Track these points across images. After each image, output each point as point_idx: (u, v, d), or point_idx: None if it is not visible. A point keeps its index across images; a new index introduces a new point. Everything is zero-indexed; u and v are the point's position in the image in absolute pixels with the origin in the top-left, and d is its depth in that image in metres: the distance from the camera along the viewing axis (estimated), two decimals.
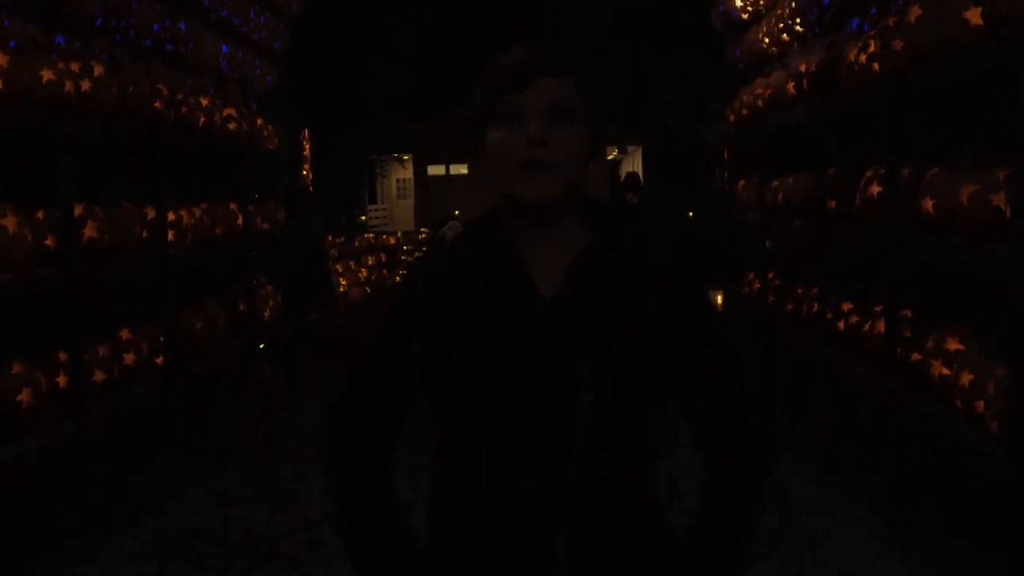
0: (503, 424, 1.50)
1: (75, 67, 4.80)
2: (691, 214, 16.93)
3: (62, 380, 4.43)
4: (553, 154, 1.50)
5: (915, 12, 4.14)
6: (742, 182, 7.84)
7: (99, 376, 4.74)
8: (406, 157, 29.56)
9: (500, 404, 1.50)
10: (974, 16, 3.58)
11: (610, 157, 31.06)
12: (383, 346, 1.65)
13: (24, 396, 4.05)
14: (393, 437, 1.68)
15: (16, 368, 4.08)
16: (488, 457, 1.51)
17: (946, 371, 4.03)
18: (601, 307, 1.53)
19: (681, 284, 1.59)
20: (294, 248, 8.43)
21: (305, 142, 15.85)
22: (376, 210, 27.91)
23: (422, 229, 20.25)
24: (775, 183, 6.67)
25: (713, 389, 1.62)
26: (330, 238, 15.15)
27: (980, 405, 3.69)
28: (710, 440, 1.65)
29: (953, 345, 4.05)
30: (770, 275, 6.98)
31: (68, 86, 4.62)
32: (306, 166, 15.67)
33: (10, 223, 4.04)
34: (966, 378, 3.80)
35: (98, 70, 4.94)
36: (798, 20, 6.59)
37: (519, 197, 1.53)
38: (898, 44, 4.32)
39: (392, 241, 17.93)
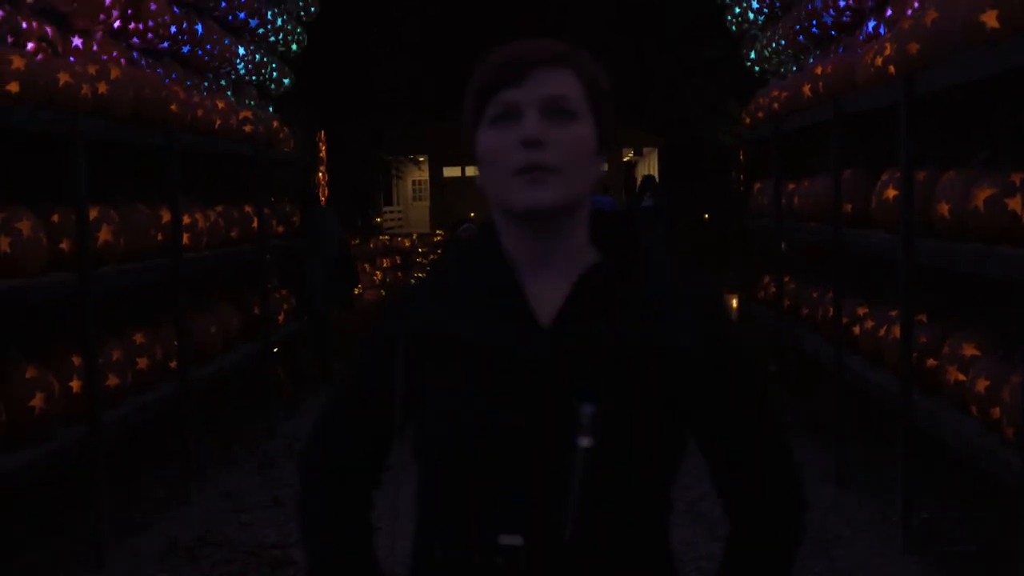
0: (490, 471, 1.32)
1: (92, 70, 4.83)
2: (706, 216, 16.90)
3: (75, 384, 4.44)
4: (552, 157, 1.30)
5: (931, 15, 4.11)
6: (757, 184, 7.82)
7: (113, 380, 4.75)
8: (422, 158, 29.60)
9: (487, 447, 1.32)
10: (990, 19, 3.56)
11: (625, 159, 31.01)
12: (359, 382, 1.47)
13: (37, 401, 4.06)
14: (371, 484, 1.50)
15: (30, 372, 4.09)
16: (472, 508, 1.33)
17: (962, 377, 4.00)
18: (607, 336, 1.33)
19: (702, 309, 1.39)
20: (327, 250, 8.49)
21: (321, 144, 15.89)
22: (391, 212, 27.97)
23: (437, 231, 20.28)
24: (791, 186, 6.65)
25: (740, 432, 1.42)
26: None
27: (996, 411, 3.67)
28: (736, 489, 1.45)
29: (969, 351, 4.02)
30: (786, 278, 6.96)
31: (85, 89, 4.64)
32: (322, 168, 15.70)
33: (25, 226, 4.05)
34: (982, 384, 3.77)
35: (115, 72, 4.96)
36: (814, 22, 6.56)
37: (515, 208, 1.33)
38: (914, 47, 4.29)
39: (407, 243, 17.95)
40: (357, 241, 15.86)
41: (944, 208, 3.94)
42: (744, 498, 1.44)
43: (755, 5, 8.09)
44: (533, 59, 1.34)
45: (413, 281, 1.54)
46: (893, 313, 4.82)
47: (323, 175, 15.62)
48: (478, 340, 1.34)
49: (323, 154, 15.93)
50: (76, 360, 4.51)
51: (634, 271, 1.38)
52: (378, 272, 15.90)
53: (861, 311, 5.31)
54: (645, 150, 28.92)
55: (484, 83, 1.35)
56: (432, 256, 18.24)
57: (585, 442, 1.27)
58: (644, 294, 1.37)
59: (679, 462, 1.38)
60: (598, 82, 1.38)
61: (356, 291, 9.24)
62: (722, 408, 1.40)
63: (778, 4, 7.67)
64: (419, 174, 31.02)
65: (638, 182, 20.71)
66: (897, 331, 4.67)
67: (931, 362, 4.36)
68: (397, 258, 17.05)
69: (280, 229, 7.82)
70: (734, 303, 8.50)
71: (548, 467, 1.29)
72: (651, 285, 1.39)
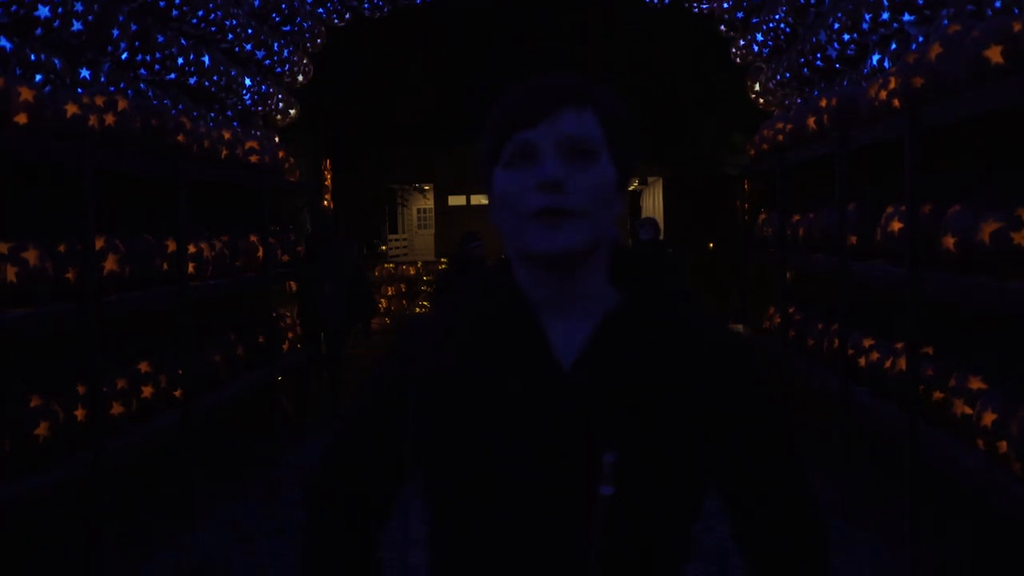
0: (508, 520, 1.27)
1: (100, 101, 4.86)
2: (711, 245, 16.91)
3: (80, 413, 4.44)
4: (572, 200, 1.25)
5: (935, 49, 4.13)
6: (763, 215, 7.83)
7: (117, 409, 4.75)
8: (427, 187, 29.68)
9: (505, 496, 1.27)
10: (995, 54, 3.57)
11: (631, 188, 31.07)
12: (367, 425, 1.42)
13: (42, 429, 4.06)
14: (377, 527, 1.45)
15: (35, 401, 4.09)
16: (489, 557, 1.29)
17: (968, 410, 3.98)
18: (630, 382, 1.28)
19: (729, 356, 1.34)
20: (343, 272, 8.51)
21: (327, 172, 15.94)
22: (397, 239, 28.02)
23: (442, 259, 20.30)
24: (796, 217, 6.66)
25: (767, 482, 1.38)
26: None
27: (1003, 445, 3.65)
28: (760, 537, 1.41)
29: (975, 384, 4.01)
30: (791, 309, 6.95)
31: (92, 120, 4.67)
32: (327, 196, 15.75)
33: (32, 256, 4.06)
34: (989, 417, 3.75)
35: (122, 104, 4.99)
36: (818, 55, 6.59)
37: (532, 252, 1.27)
38: (918, 81, 4.31)
39: (412, 271, 17.96)
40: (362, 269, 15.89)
41: (950, 241, 3.94)
42: (768, 547, 1.41)
43: (759, 38, 8.13)
44: (551, 97, 1.29)
45: (420, 317, 1.46)
46: (899, 345, 4.81)
47: (329, 203, 15.66)
48: (495, 384, 1.28)
49: (328, 182, 15.98)
50: (81, 389, 4.51)
51: (658, 314, 1.33)
52: (383, 300, 15.92)
53: (867, 343, 5.31)
54: (650, 179, 28.99)
55: (501, 122, 1.31)
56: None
57: (608, 491, 1.23)
58: (669, 338, 1.32)
59: (700, 507, 1.35)
60: (618, 120, 1.33)
61: (374, 320, 9.22)
62: (749, 457, 1.36)
63: (783, 37, 7.71)
64: (424, 203, 31.10)
65: (642, 212, 20.66)
66: (903, 363, 4.66)
67: (937, 395, 4.35)
68: (402, 286, 17.07)
69: (285, 257, 7.84)
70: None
71: (568, 516, 1.25)
72: (676, 329, 1.33)
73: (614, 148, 1.30)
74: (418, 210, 31.81)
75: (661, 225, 13.80)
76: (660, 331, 1.32)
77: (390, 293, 16.40)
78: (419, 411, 1.33)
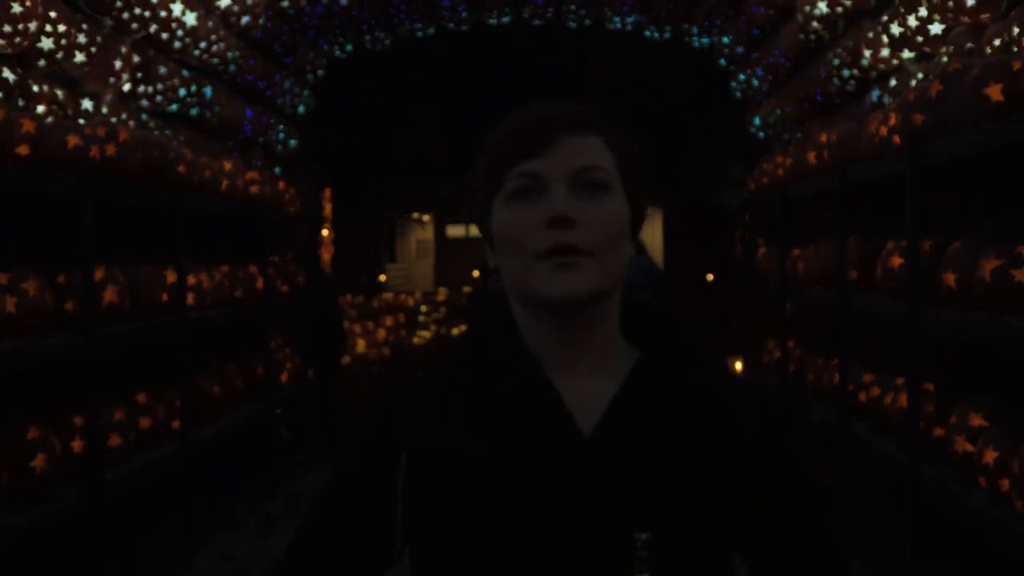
0: None
1: (101, 132, 4.87)
2: (710, 276, 16.94)
3: (77, 445, 4.41)
4: (584, 237, 1.12)
5: (936, 87, 4.15)
6: (762, 249, 7.83)
7: (115, 440, 4.73)
8: (426, 218, 29.74)
9: (523, 573, 1.11)
10: (995, 92, 3.59)
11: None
12: (351, 496, 1.23)
13: (39, 461, 4.03)
14: None
15: (32, 433, 4.07)
16: None
17: (969, 447, 3.97)
18: (658, 449, 1.15)
19: (759, 419, 1.23)
20: (317, 307, 8.48)
21: (326, 202, 15.98)
22: (395, 269, 28.04)
23: (440, 288, 20.30)
24: (795, 251, 6.66)
25: (795, 551, 1.23)
26: (349, 297, 15.20)
27: (1005, 483, 3.63)
28: None
29: (976, 421, 3.99)
30: (790, 343, 6.94)
31: (94, 151, 4.67)
32: (327, 226, 15.78)
33: (31, 287, 4.06)
34: (990, 455, 3.74)
35: (124, 135, 5.00)
36: (818, 90, 6.62)
37: (542, 297, 1.14)
38: (919, 118, 4.32)
39: (411, 302, 17.93)
40: (361, 299, 15.87)
41: (951, 278, 3.94)
42: None
43: (759, 72, 8.17)
44: (558, 124, 1.15)
45: (414, 375, 1.26)
46: (899, 381, 4.80)
47: (329, 233, 15.68)
48: (506, 455, 1.13)
49: (327, 212, 16.01)
50: (78, 420, 4.49)
51: (682, 373, 1.20)
52: (381, 330, 15.87)
53: (867, 378, 5.29)
54: (649, 210, 29.09)
55: (501, 152, 1.17)
56: (435, 314, 18.24)
57: (643, 567, 1.09)
58: (694, 399, 1.19)
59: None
60: (629, 150, 1.21)
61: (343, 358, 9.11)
62: (782, 531, 1.22)
63: (782, 71, 7.74)
64: (423, 233, 31.16)
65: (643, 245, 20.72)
66: (903, 399, 4.64)
67: (938, 431, 4.33)
68: (401, 316, 17.03)
69: (285, 288, 7.83)
70: (739, 367, 8.48)
71: None
72: (700, 388, 1.20)
73: (626, 181, 1.19)
74: (416, 240, 31.86)
75: (659, 257, 13.80)
76: (685, 393, 1.19)
77: (389, 323, 16.36)
78: (411, 482, 1.17)
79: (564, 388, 1.17)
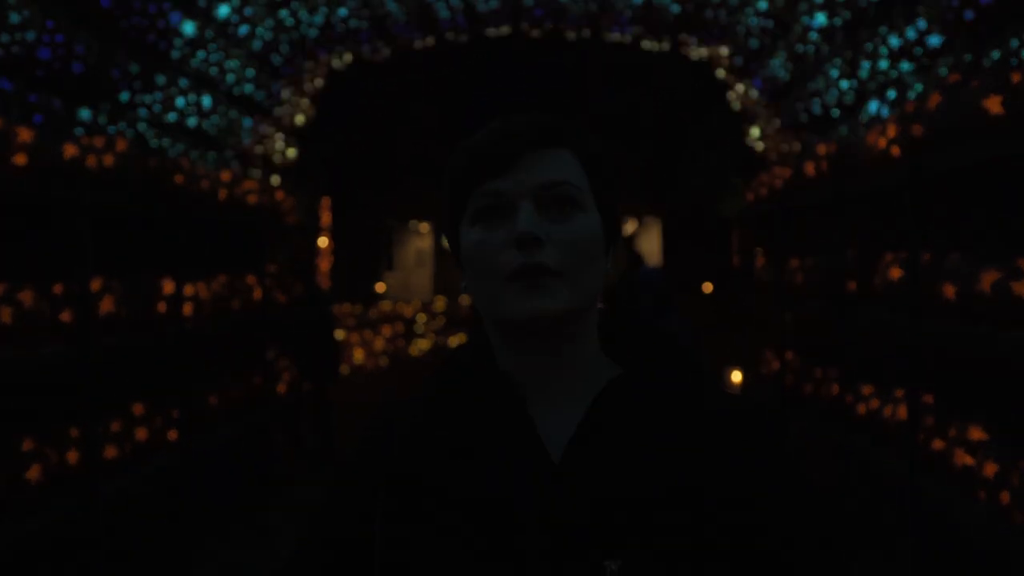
0: None
1: (98, 142, 4.85)
2: (709, 287, 16.92)
3: (73, 456, 4.39)
4: (553, 257, 1.06)
5: (935, 99, 4.14)
6: (760, 259, 7.83)
7: (111, 452, 4.70)
8: (424, 230, 29.74)
9: None
10: (994, 105, 3.58)
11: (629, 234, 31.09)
12: (331, 525, 1.17)
13: (33, 473, 4.01)
14: None
15: (27, 444, 4.05)
16: None
17: (969, 460, 3.95)
18: (631, 473, 1.06)
19: (751, 441, 1.11)
20: (310, 318, 8.46)
21: (325, 211, 15.97)
22: (393, 278, 28.02)
23: (438, 296, 20.28)
24: (794, 262, 6.65)
25: None
26: (348, 307, 15.18)
27: (1005, 496, 3.62)
28: None
29: (976, 434, 3.98)
30: (788, 355, 6.93)
31: (91, 160, 4.66)
32: (325, 234, 15.77)
33: (27, 297, 4.04)
34: (990, 468, 3.72)
35: (121, 145, 4.99)
36: (816, 102, 6.62)
37: (512, 320, 1.08)
38: (918, 130, 4.32)
39: (409, 311, 17.89)
40: (359, 308, 15.84)
41: (950, 290, 3.93)
42: None
43: (758, 84, 8.17)
44: (523, 139, 1.10)
45: (395, 402, 1.21)
46: (899, 393, 4.79)
47: (327, 241, 15.66)
48: (475, 482, 1.08)
49: (325, 221, 16.00)
50: (74, 432, 4.47)
51: (663, 390, 1.12)
52: (379, 340, 15.83)
53: (866, 390, 5.28)
54: (647, 218, 29.05)
55: (465, 170, 1.12)
56: (433, 323, 18.22)
57: None
58: (677, 418, 1.10)
59: None
60: (601, 162, 1.14)
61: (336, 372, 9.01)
62: (770, 547, 1.08)
63: (781, 83, 7.75)
64: (421, 242, 31.17)
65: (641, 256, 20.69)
66: (903, 411, 4.63)
67: (938, 444, 4.32)
68: (399, 325, 16.98)
69: (282, 298, 7.82)
70: (737, 378, 8.46)
71: None
72: (685, 406, 1.11)
73: (599, 195, 1.13)
74: (415, 250, 31.86)
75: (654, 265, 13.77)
76: (665, 408, 1.10)
77: (387, 333, 16.33)
78: (386, 516, 1.11)
79: (539, 413, 1.11)
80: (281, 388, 7.62)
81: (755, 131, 8.71)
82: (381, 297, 19.92)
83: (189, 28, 6.35)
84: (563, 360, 1.12)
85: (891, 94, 5.37)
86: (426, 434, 1.13)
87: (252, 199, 7.09)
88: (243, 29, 7.29)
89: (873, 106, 5.71)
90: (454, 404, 1.14)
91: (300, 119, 9.48)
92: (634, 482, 1.05)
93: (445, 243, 1.20)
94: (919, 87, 4.87)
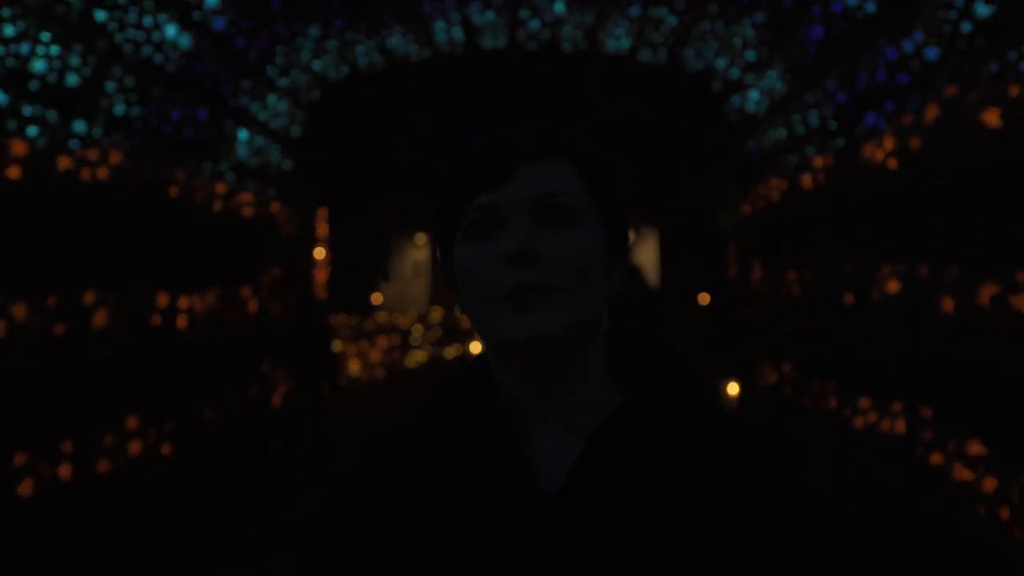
0: None
1: (93, 155, 4.83)
2: (706, 298, 16.90)
3: (65, 471, 4.36)
4: (549, 274, 0.98)
5: (933, 111, 4.13)
6: (758, 272, 7.81)
7: (104, 466, 4.67)
8: (421, 241, 29.74)
9: None
10: (992, 117, 3.57)
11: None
12: (327, 552, 1.11)
13: (25, 488, 3.98)
14: None
15: (19, 459, 4.02)
16: None
17: (968, 475, 3.93)
18: (634, 510, 0.98)
19: (763, 473, 1.01)
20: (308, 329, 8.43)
21: (322, 222, 15.94)
22: (390, 288, 27.99)
23: (434, 306, 20.26)
24: (791, 274, 6.64)
25: None
26: (344, 318, 15.16)
27: (1005, 512, 3.59)
28: None
29: (976, 448, 3.96)
30: (786, 367, 6.90)
31: (85, 173, 4.64)
32: (321, 246, 15.74)
33: (20, 310, 4.02)
34: (990, 484, 3.70)
35: (115, 158, 4.97)
36: (814, 114, 6.61)
37: (506, 341, 1.00)
38: (915, 142, 4.30)
39: (406, 323, 17.86)
40: (356, 319, 15.81)
41: (949, 303, 3.92)
42: None
43: (754, 96, 8.17)
44: (516, 149, 1.03)
45: (389, 423, 1.10)
46: (897, 407, 4.77)
47: (324, 253, 15.64)
48: (462, 518, 1.01)
49: (321, 232, 15.97)
50: (67, 446, 4.43)
51: (669, 417, 1.03)
52: (375, 351, 15.78)
53: (864, 403, 5.26)
54: (643, 229, 29.09)
55: (458, 183, 1.05)
56: (430, 334, 18.20)
57: None
58: (683, 449, 1.01)
59: None
60: (603, 171, 1.07)
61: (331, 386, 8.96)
62: None
63: (777, 94, 7.74)
64: (417, 253, 31.17)
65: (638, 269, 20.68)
66: (901, 425, 4.61)
67: (936, 458, 4.29)
68: (396, 337, 16.93)
69: (277, 310, 7.79)
70: (735, 390, 8.44)
71: None
72: (692, 436, 1.02)
73: (600, 206, 1.04)
74: (413, 261, 31.86)
75: (654, 279, 13.75)
76: (671, 439, 1.01)
77: (383, 344, 16.29)
78: (379, 544, 1.05)
79: (537, 445, 1.03)
80: (276, 400, 7.59)
81: (752, 143, 8.70)
82: (377, 308, 19.88)
83: (185, 41, 6.33)
84: (564, 386, 1.04)
85: (888, 106, 5.36)
86: (417, 455, 1.07)
87: (247, 211, 7.07)
88: (239, 42, 7.28)
89: (870, 118, 5.70)
90: (446, 425, 1.07)
91: (296, 130, 9.47)
92: (633, 520, 0.97)
93: (439, 260, 1.13)
94: (917, 99, 4.86)
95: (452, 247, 1.06)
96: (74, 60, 5.04)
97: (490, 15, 9.44)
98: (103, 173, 4.81)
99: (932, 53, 4.87)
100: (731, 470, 1.00)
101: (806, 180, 6.20)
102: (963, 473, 3.96)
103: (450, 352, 17.85)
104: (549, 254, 0.99)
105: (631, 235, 1.15)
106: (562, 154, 1.03)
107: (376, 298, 21.46)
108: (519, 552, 0.98)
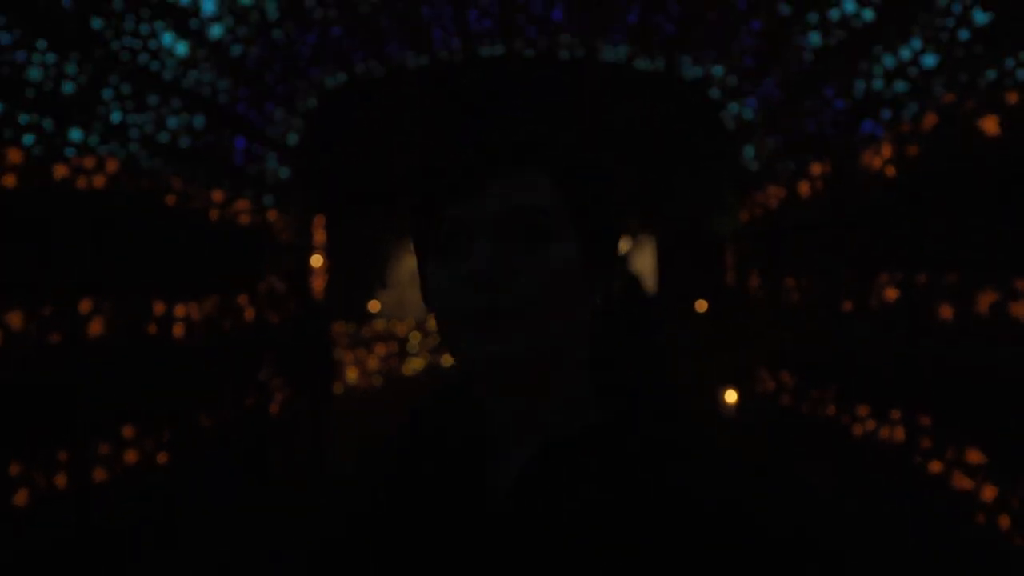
0: None
1: (89, 163, 4.82)
2: (704, 304, 16.89)
3: (61, 480, 4.34)
4: (513, 296, 0.91)
5: (930, 119, 4.13)
6: (755, 279, 7.81)
7: (100, 475, 4.65)
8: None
9: None
10: (990, 125, 3.56)
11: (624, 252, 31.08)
12: (330, 536, 1.10)
13: (20, 497, 3.96)
14: None
15: (14, 468, 4.00)
16: None
17: (968, 483, 3.92)
18: (574, 527, 0.92)
19: (715, 525, 0.86)
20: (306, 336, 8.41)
21: (319, 230, 15.93)
22: (387, 296, 27.98)
23: (431, 314, 20.22)
24: (789, 281, 6.63)
25: None
26: (342, 325, 15.13)
27: (1005, 520, 3.58)
28: None
29: (975, 457, 3.95)
30: (784, 375, 6.89)
31: (82, 182, 4.63)
32: (318, 253, 15.73)
33: (15, 319, 4.00)
34: (990, 492, 3.69)
35: (112, 166, 4.96)
36: (811, 122, 6.61)
37: (469, 366, 0.96)
38: (913, 150, 4.30)
39: (403, 330, 17.83)
40: (353, 326, 15.78)
41: (947, 311, 3.91)
42: None
43: (752, 103, 8.17)
44: (487, 157, 0.94)
45: (386, 438, 1.08)
46: (895, 415, 4.75)
47: (321, 260, 15.63)
48: (417, 533, 0.99)
49: (318, 239, 15.96)
50: (63, 455, 4.41)
51: (631, 440, 0.95)
52: (372, 359, 15.74)
53: (863, 411, 5.25)
54: (641, 237, 29.09)
55: (425, 194, 0.97)
56: (427, 342, 18.18)
57: None
58: (638, 475, 0.92)
59: None
60: (583, 180, 0.97)
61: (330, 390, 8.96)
62: None
63: (774, 103, 7.74)
64: (415, 260, 31.13)
65: (637, 277, 20.71)
66: (900, 433, 4.60)
67: (935, 466, 4.28)
68: (393, 344, 16.88)
69: (275, 318, 7.77)
70: (733, 398, 8.42)
71: None
72: (647, 464, 0.93)
73: (577, 219, 0.95)
74: (410, 268, 31.83)
75: (651, 286, 13.71)
76: (627, 465, 0.93)
77: (381, 352, 16.25)
78: (383, 520, 1.04)
79: (508, 460, 0.98)
80: (274, 408, 7.57)
81: (750, 150, 8.70)
82: (375, 316, 19.86)
83: (181, 48, 6.32)
84: (537, 410, 0.98)
85: (886, 114, 5.36)
86: (396, 469, 1.05)
87: (244, 219, 7.06)
88: (236, 49, 7.27)
89: (868, 126, 5.70)
90: (417, 449, 1.05)
91: (293, 138, 9.46)
92: (575, 534, 0.91)
93: (419, 270, 1.06)
94: (914, 107, 4.85)
95: (427, 260, 0.99)
96: (70, 68, 5.03)
97: (487, 21, 9.45)
98: (99, 181, 4.80)
99: (930, 60, 4.87)
100: (693, 509, 0.88)
101: (803, 187, 6.20)
102: (962, 481, 3.95)
103: (448, 360, 17.82)
104: (516, 275, 0.92)
105: (622, 244, 1.07)
106: (538, 162, 0.94)
107: (373, 305, 21.43)
108: (470, 554, 0.95)
